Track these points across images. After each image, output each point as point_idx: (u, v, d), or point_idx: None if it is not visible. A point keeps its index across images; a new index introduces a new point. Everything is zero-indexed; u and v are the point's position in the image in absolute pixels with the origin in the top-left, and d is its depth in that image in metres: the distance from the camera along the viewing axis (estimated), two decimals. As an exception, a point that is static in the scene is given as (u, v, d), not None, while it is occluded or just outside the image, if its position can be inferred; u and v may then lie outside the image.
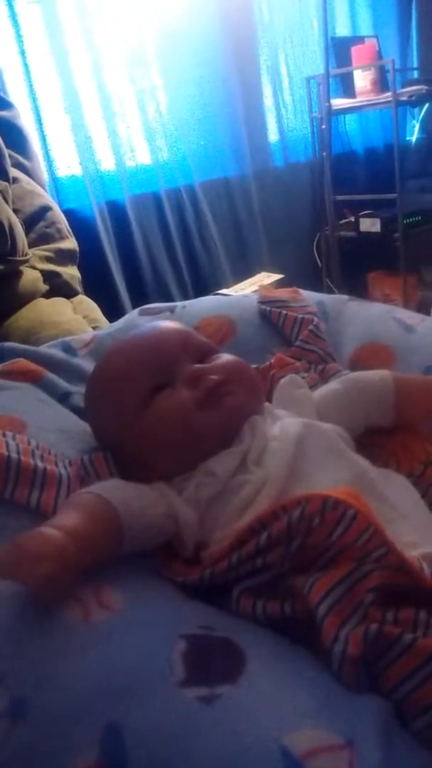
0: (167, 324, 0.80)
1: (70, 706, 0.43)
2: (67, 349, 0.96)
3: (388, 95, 2.57)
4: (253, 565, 0.54)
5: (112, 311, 1.80)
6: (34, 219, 1.75)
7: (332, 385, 0.80)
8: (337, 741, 0.41)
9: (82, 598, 0.51)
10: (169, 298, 2.39)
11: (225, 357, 0.74)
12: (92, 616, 0.50)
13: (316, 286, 2.84)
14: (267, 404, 0.74)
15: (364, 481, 0.63)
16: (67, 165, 2.21)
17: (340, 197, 2.75)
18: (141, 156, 2.40)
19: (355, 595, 0.49)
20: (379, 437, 0.77)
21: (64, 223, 1.84)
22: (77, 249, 1.86)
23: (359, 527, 0.52)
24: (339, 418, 0.73)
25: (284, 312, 0.99)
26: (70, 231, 1.86)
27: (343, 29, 3.02)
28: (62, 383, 0.88)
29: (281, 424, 0.68)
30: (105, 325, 1.44)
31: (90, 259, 2.00)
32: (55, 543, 0.50)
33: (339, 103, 2.72)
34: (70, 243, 1.84)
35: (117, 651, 0.47)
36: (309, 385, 0.81)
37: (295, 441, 0.65)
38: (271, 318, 0.99)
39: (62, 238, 1.81)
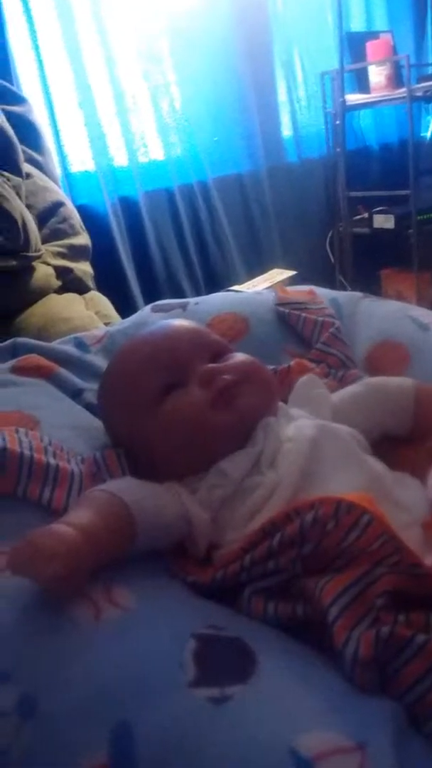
0: (180, 322, 0.79)
1: (80, 705, 0.43)
2: (80, 345, 0.96)
3: (402, 91, 2.55)
4: (265, 567, 0.54)
5: (125, 307, 1.81)
6: (47, 215, 1.75)
7: (352, 388, 0.78)
8: (349, 743, 0.40)
9: (93, 596, 0.51)
10: (181, 294, 2.39)
11: (239, 356, 0.73)
12: (103, 614, 0.50)
13: (329, 282, 2.82)
14: (282, 404, 0.73)
15: (379, 485, 0.62)
16: (80, 160, 2.22)
17: (353, 193, 2.74)
18: (154, 152, 2.40)
19: (367, 598, 0.48)
20: (397, 445, 0.75)
21: (76, 218, 1.84)
22: (90, 245, 1.86)
23: (374, 533, 0.51)
24: (356, 420, 0.72)
25: (303, 315, 0.97)
26: (83, 227, 1.87)
27: (357, 24, 3.00)
28: (74, 379, 0.88)
29: (296, 426, 0.67)
30: (117, 321, 1.44)
31: (102, 254, 2.01)
32: (67, 541, 0.50)
33: (353, 98, 2.71)
34: (83, 239, 1.84)
35: (127, 650, 0.47)
36: None
37: (309, 443, 0.64)
38: (290, 320, 0.98)
39: (75, 233, 1.81)
